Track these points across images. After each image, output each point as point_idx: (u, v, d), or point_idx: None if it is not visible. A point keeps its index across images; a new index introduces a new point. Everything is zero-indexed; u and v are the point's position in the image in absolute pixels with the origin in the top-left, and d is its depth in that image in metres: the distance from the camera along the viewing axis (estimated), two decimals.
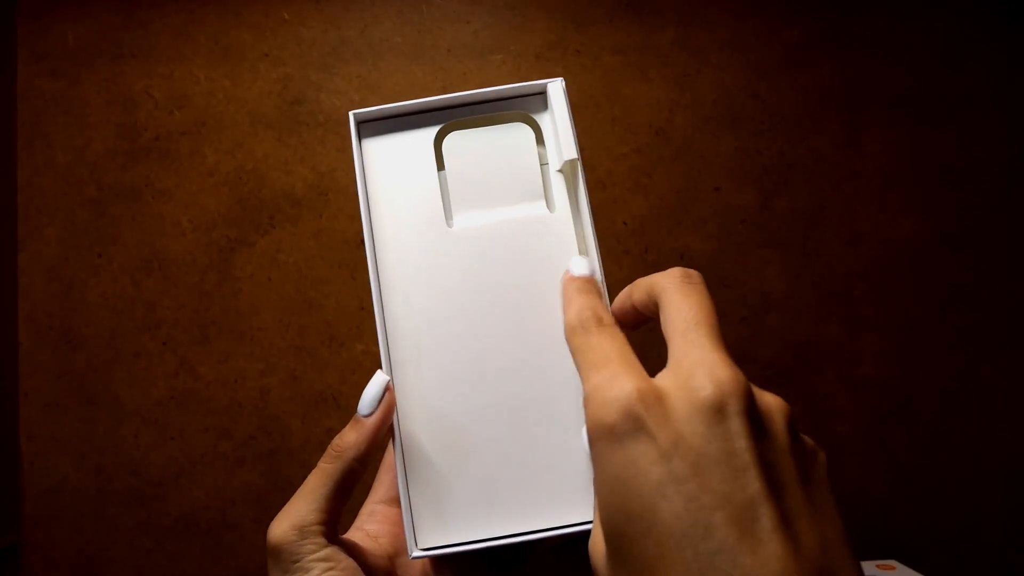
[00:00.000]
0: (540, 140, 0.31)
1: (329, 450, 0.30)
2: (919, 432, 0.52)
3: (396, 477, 0.33)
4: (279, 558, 0.27)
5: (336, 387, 0.52)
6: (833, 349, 0.52)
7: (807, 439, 0.21)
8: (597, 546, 0.22)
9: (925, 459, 0.52)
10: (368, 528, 0.31)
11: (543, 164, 0.31)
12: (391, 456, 0.35)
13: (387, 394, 0.29)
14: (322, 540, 0.27)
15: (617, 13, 0.54)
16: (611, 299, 0.28)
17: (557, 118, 0.31)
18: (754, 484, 0.19)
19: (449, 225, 0.30)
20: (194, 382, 0.52)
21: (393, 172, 0.31)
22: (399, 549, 0.31)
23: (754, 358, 0.53)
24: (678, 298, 0.23)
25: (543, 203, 0.30)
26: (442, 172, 0.30)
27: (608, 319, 0.25)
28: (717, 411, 0.20)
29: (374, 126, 0.32)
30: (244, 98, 0.54)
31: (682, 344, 0.22)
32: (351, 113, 0.30)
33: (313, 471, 0.29)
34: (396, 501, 0.33)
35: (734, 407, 0.20)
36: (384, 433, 0.29)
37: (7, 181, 0.54)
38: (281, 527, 0.28)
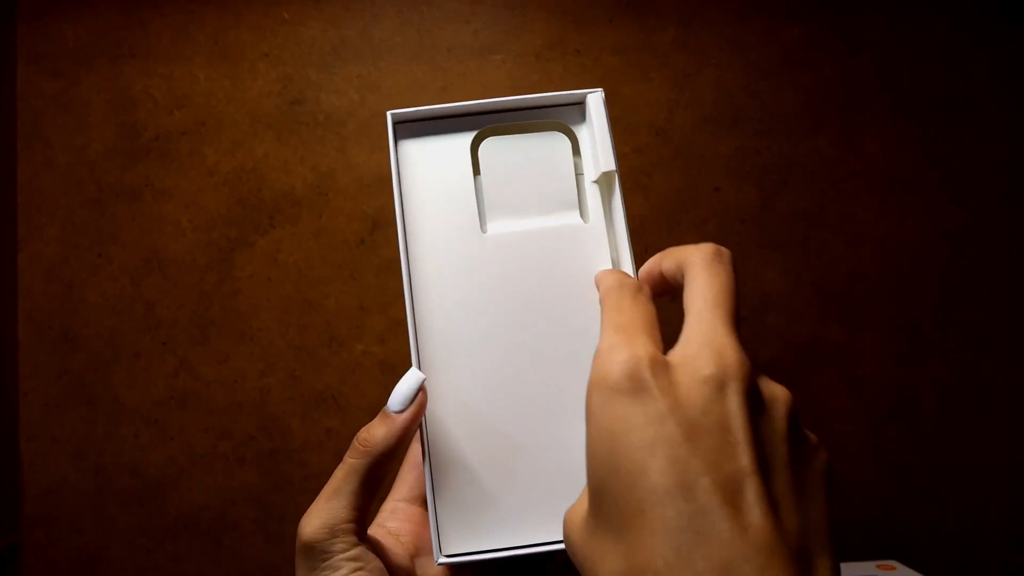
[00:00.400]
0: (576, 150, 0.31)
1: (356, 445, 0.29)
2: (919, 432, 0.52)
3: (420, 475, 0.33)
4: (309, 556, 0.27)
5: (336, 387, 0.52)
6: (833, 349, 0.52)
7: (811, 435, 0.22)
8: (576, 511, 0.22)
9: (925, 459, 0.52)
10: (390, 526, 0.31)
11: (578, 174, 0.31)
12: (414, 453, 0.35)
13: (420, 392, 0.29)
14: (353, 539, 0.27)
15: (617, 13, 0.54)
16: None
17: (596, 129, 0.31)
18: (744, 458, 0.19)
19: (483, 231, 0.30)
20: (194, 382, 0.52)
21: (429, 175, 0.31)
22: (420, 548, 0.31)
23: (754, 358, 0.53)
24: (703, 275, 0.24)
25: (577, 213, 0.30)
26: (478, 178, 0.30)
27: (647, 292, 0.25)
28: (718, 387, 0.20)
29: (410, 128, 0.32)
30: (244, 98, 0.54)
31: (696, 322, 0.22)
32: (389, 113, 0.30)
33: (340, 467, 0.29)
34: (418, 499, 0.33)
35: (735, 386, 0.20)
36: (415, 430, 0.29)
37: (7, 181, 0.54)
38: (312, 525, 0.28)
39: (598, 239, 0.30)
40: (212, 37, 0.55)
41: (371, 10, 0.54)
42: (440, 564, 0.26)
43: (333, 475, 0.29)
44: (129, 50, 0.55)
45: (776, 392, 0.22)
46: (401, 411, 0.29)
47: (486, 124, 0.34)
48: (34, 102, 0.55)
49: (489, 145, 0.31)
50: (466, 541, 0.28)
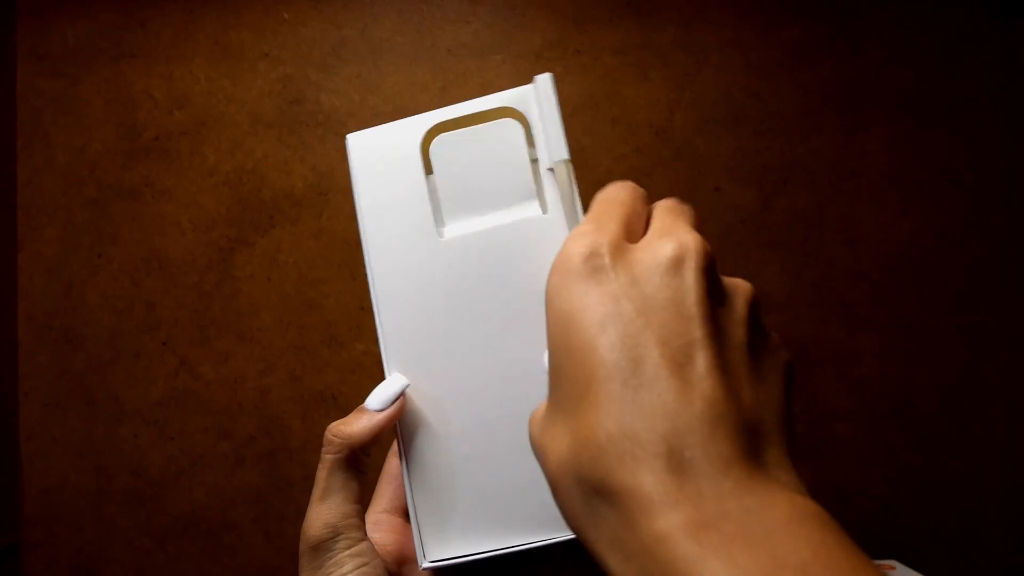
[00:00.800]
0: (531, 139, 0.30)
1: (331, 439, 0.30)
2: (919, 432, 0.52)
3: (399, 487, 0.33)
4: (314, 555, 0.27)
5: (336, 387, 0.52)
6: (833, 349, 0.52)
7: (773, 335, 0.22)
8: (538, 408, 0.22)
9: (925, 459, 0.52)
10: (374, 537, 0.31)
11: (533, 162, 0.30)
12: (392, 466, 0.35)
13: (401, 399, 0.30)
14: (356, 534, 0.28)
15: (617, 13, 0.54)
16: None
17: (545, 114, 0.30)
18: (696, 331, 0.19)
19: (440, 235, 0.29)
20: (194, 382, 0.52)
21: (385, 180, 0.30)
22: (405, 557, 0.31)
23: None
24: (668, 203, 0.24)
25: (536, 204, 0.29)
26: (430, 177, 0.30)
27: (645, 194, 0.25)
28: (675, 264, 0.20)
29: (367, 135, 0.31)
30: (244, 98, 0.54)
31: (657, 225, 0.22)
32: (348, 138, 0.30)
33: (320, 466, 0.30)
34: (399, 510, 0.33)
35: (691, 264, 0.20)
36: (387, 429, 0.30)
37: (7, 181, 0.54)
38: (315, 526, 0.28)
39: (558, 230, 0.30)
40: (212, 37, 0.55)
41: (371, 10, 0.54)
42: (425, 568, 0.27)
43: (316, 477, 0.29)
44: (129, 50, 0.55)
45: (737, 282, 0.21)
46: (381, 410, 0.29)
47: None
48: (34, 102, 0.55)
49: (440, 143, 0.30)
50: (447, 545, 0.28)
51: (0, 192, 0.53)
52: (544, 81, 0.30)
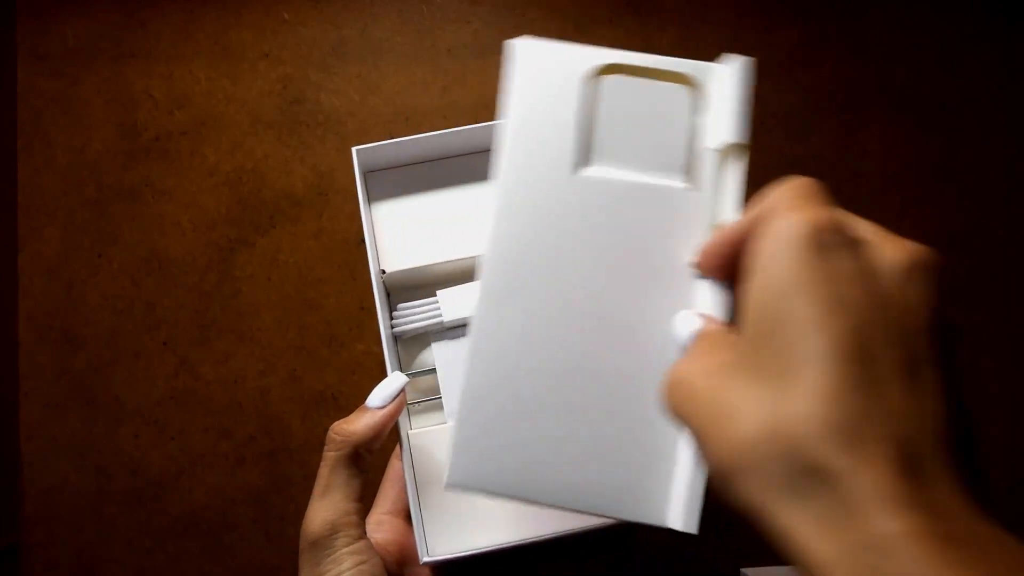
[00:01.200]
0: (698, 113, 0.28)
1: (333, 438, 0.30)
2: None
3: (401, 489, 0.33)
4: (314, 552, 0.28)
5: (336, 387, 0.52)
6: None
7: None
8: (698, 364, 0.21)
9: None
10: (376, 538, 0.31)
11: (695, 138, 0.28)
12: (394, 469, 0.35)
13: (401, 394, 0.30)
14: (355, 532, 0.28)
15: (617, 13, 0.54)
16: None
17: (738, 96, 0.30)
18: (927, 345, 0.19)
19: (577, 172, 0.27)
20: (194, 382, 0.52)
21: (541, 97, 0.28)
22: (407, 558, 0.31)
23: None
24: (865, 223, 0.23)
25: (681, 176, 0.28)
26: (588, 115, 0.28)
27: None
28: (916, 270, 0.20)
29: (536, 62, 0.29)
30: (244, 98, 0.54)
31: (878, 229, 0.22)
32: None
33: (323, 464, 0.30)
34: (402, 512, 0.33)
35: (931, 274, 0.20)
36: (389, 427, 0.30)
37: (7, 181, 0.54)
38: (315, 523, 0.28)
39: (702, 209, 0.28)
40: (212, 37, 0.55)
41: (371, 10, 0.54)
42: (425, 563, 0.27)
43: (319, 474, 0.29)
44: (129, 50, 0.55)
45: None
46: (382, 407, 0.29)
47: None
48: (34, 102, 0.55)
49: (614, 82, 0.28)
50: (450, 542, 0.28)
51: (0, 192, 0.53)
52: (745, 64, 0.30)
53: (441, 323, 0.33)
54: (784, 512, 0.17)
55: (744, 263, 0.21)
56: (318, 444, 0.55)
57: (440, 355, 0.33)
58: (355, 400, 0.53)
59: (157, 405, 0.52)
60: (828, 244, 0.19)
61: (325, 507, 0.28)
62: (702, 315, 0.25)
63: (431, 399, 0.34)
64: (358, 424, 0.29)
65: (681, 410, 0.21)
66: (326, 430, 0.55)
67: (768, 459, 0.17)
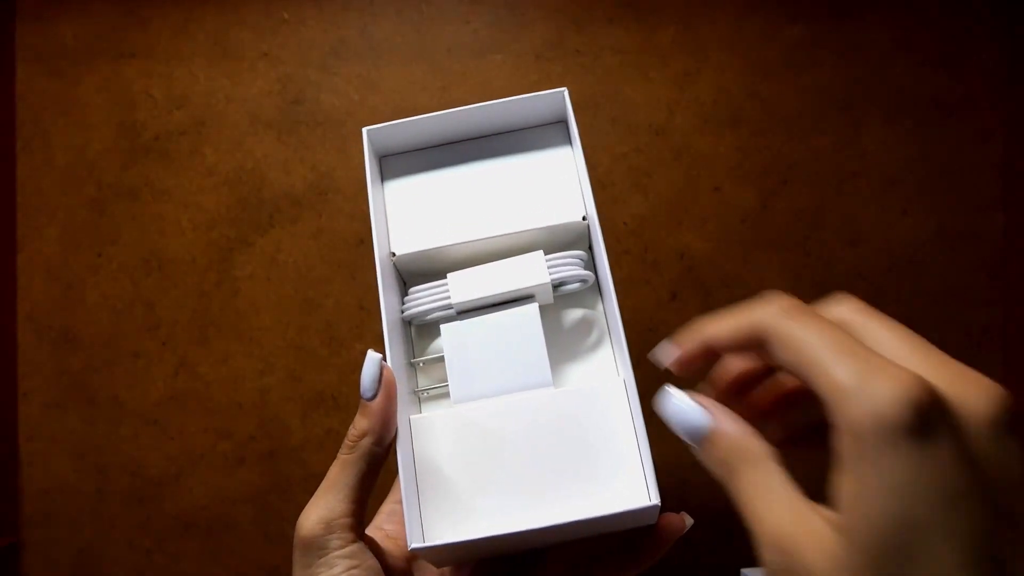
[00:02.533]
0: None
1: (346, 440, 0.30)
2: None
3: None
4: (306, 552, 0.27)
5: (336, 387, 0.52)
6: None
7: None
8: (823, 553, 0.18)
9: None
10: (387, 528, 0.31)
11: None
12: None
13: (384, 372, 0.29)
14: (349, 535, 0.27)
15: (617, 13, 0.54)
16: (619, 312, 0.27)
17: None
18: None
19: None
20: (194, 382, 0.52)
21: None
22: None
23: None
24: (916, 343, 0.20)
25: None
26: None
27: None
28: (1004, 426, 0.18)
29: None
30: (244, 98, 0.54)
31: (940, 364, 0.19)
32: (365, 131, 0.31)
33: (334, 463, 0.29)
34: None
35: (1017, 422, 0.18)
36: (393, 412, 0.29)
37: (6, 181, 0.54)
38: (310, 520, 0.28)
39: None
40: (212, 37, 0.55)
41: (371, 10, 0.54)
42: (413, 550, 0.26)
43: (328, 471, 0.29)
44: (129, 50, 0.55)
45: None
46: (372, 397, 0.29)
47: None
48: (34, 102, 0.55)
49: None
50: (446, 531, 0.28)
51: (0, 192, 0.53)
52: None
53: (451, 306, 0.33)
54: None
55: (834, 445, 0.19)
56: (318, 444, 0.55)
57: (448, 339, 0.32)
58: (355, 400, 0.53)
59: (157, 405, 0.52)
60: (927, 430, 0.17)
61: (322, 506, 0.28)
62: (697, 399, 0.23)
63: (440, 386, 0.33)
64: (360, 423, 0.29)
65: None
66: (326, 430, 0.55)
67: None
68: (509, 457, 0.29)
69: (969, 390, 0.18)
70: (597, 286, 0.35)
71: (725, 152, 0.53)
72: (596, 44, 0.54)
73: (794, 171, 0.53)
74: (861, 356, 0.18)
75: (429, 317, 0.34)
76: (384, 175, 0.37)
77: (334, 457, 0.29)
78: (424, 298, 0.34)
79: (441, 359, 0.33)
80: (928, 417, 0.17)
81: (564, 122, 0.37)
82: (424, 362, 0.34)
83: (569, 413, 0.30)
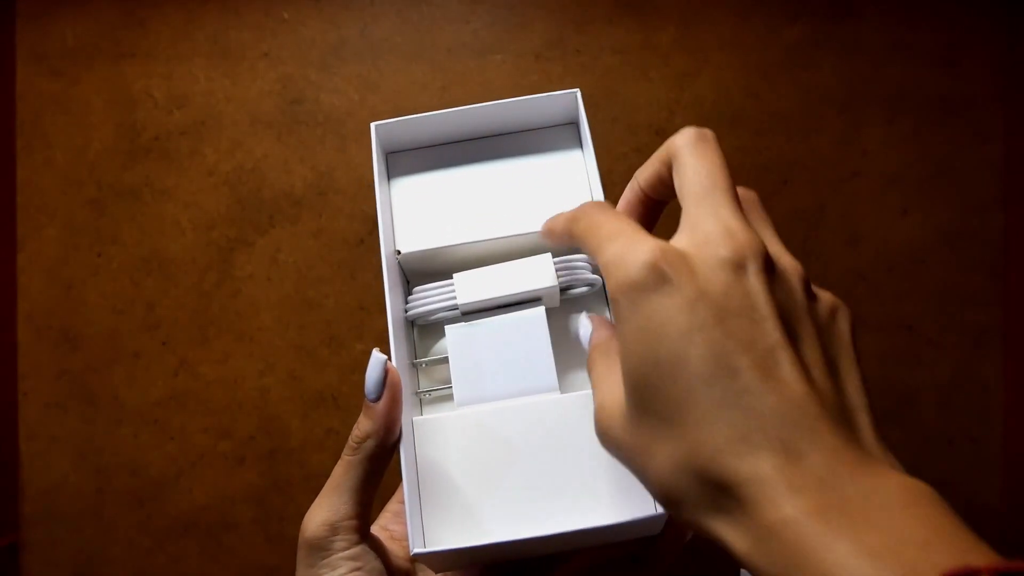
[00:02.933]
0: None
1: (349, 441, 0.30)
2: (919, 432, 0.52)
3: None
4: (310, 552, 0.27)
5: (336, 387, 0.52)
6: None
7: (825, 296, 0.23)
8: (610, 411, 0.23)
9: (925, 459, 0.52)
10: (392, 529, 0.31)
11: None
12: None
13: (389, 373, 0.30)
14: (353, 537, 0.27)
15: (617, 13, 0.54)
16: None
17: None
18: (774, 333, 0.20)
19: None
20: (194, 382, 0.52)
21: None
22: None
23: None
24: (692, 160, 0.24)
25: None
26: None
27: (612, 206, 0.26)
28: (737, 267, 0.21)
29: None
30: (244, 97, 0.54)
31: (697, 210, 0.23)
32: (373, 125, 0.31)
33: (338, 464, 0.29)
34: None
35: (753, 266, 0.21)
36: (398, 413, 0.29)
37: (6, 181, 0.54)
38: (315, 522, 0.28)
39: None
40: (212, 37, 0.55)
41: (370, 10, 0.54)
42: (414, 555, 0.26)
43: (332, 473, 0.29)
44: (129, 50, 0.55)
45: (788, 265, 0.23)
46: (377, 398, 0.29)
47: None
48: (34, 102, 0.55)
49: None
50: (448, 536, 0.28)
51: (0, 192, 0.53)
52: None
53: (456, 307, 0.32)
54: (711, 524, 0.20)
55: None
56: (318, 444, 0.55)
57: (453, 340, 0.32)
58: (355, 400, 0.53)
59: (157, 405, 0.52)
60: (659, 279, 0.21)
61: (326, 507, 0.28)
62: (591, 318, 0.28)
63: (442, 388, 0.33)
64: (364, 424, 0.29)
65: (615, 456, 0.23)
66: (326, 430, 0.55)
67: (688, 486, 0.20)
68: (513, 463, 0.29)
69: (711, 238, 0.21)
70: (604, 290, 0.34)
71: (725, 152, 0.53)
72: (596, 44, 0.54)
73: (794, 171, 0.53)
74: (617, 237, 0.22)
75: (433, 317, 0.33)
76: (391, 172, 0.37)
77: (334, 457, 0.29)
78: (429, 298, 0.33)
79: (444, 361, 0.33)
80: (658, 274, 0.21)
81: (575, 123, 0.37)
82: (427, 363, 0.34)
83: (575, 419, 0.29)
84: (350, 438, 0.29)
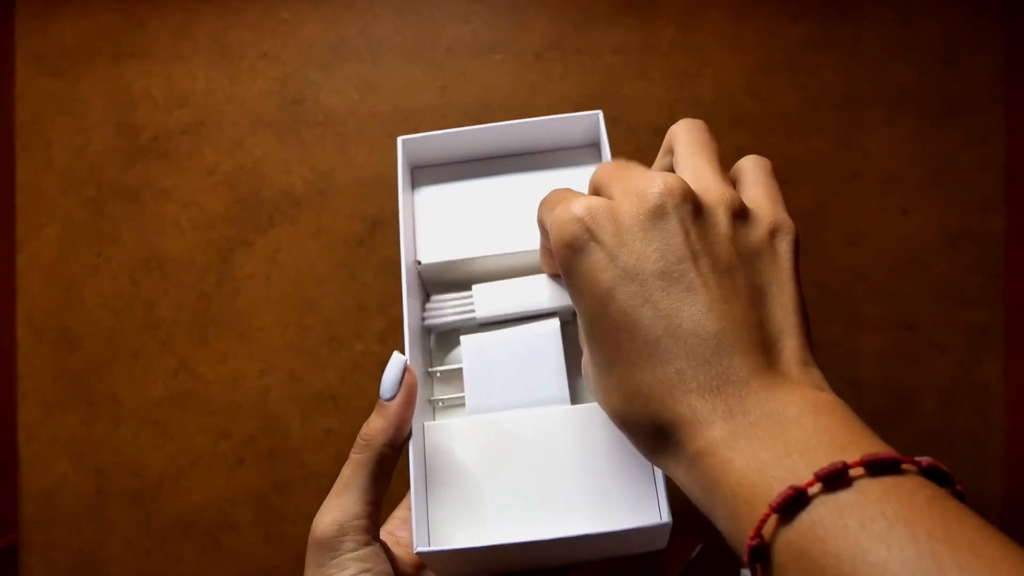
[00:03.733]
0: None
1: (358, 440, 0.30)
2: (919, 432, 0.52)
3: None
4: (319, 552, 0.27)
5: (336, 387, 0.52)
6: (833, 349, 0.52)
7: (763, 219, 0.24)
8: (585, 358, 0.25)
9: None
10: (399, 535, 0.31)
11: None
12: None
13: (407, 375, 0.29)
14: (362, 537, 0.27)
15: (617, 13, 0.54)
16: None
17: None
18: (689, 275, 0.21)
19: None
20: (194, 382, 0.52)
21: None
22: None
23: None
24: (684, 134, 0.27)
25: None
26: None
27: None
28: (656, 213, 0.22)
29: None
30: (243, 97, 0.54)
31: (681, 167, 0.24)
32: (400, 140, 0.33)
33: (347, 464, 0.29)
34: None
35: (671, 205, 0.22)
36: (410, 415, 0.29)
37: (6, 181, 0.54)
38: (324, 522, 0.28)
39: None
40: (211, 36, 0.54)
41: (370, 9, 0.54)
42: (418, 553, 0.26)
43: (341, 473, 0.29)
44: (128, 49, 0.55)
45: (713, 197, 0.23)
46: (391, 398, 0.29)
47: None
48: (33, 102, 0.55)
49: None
50: (453, 537, 0.28)
51: (0, 192, 0.53)
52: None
53: (474, 319, 0.33)
54: (658, 459, 0.22)
55: None
56: (318, 444, 0.55)
57: (467, 350, 0.32)
58: (354, 400, 0.53)
59: (156, 405, 0.52)
60: (585, 243, 0.22)
61: (336, 507, 0.28)
62: None
63: (455, 396, 0.33)
64: (375, 422, 0.29)
65: (595, 399, 0.25)
66: (326, 430, 0.55)
67: (634, 429, 0.22)
68: (522, 469, 0.29)
69: (643, 190, 0.22)
70: None
71: (725, 152, 0.53)
72: (596, 44, 0.54)
73: (794, 171, 0.53)
74: (565, 198, 0.24)
75: (449, 328, 0.34)
76: (414, 183, 0.38)
77: (334, 457, 0.29)
78: (448, 308, 0.33)
79: (458, 370, 0.33)
80: (588, 231, 0.22)
81: (596, 145, 0.38)
82: (441, 372, 0.34)
83: (584, 429, 0.29)
84: (358, 436, 0.29)
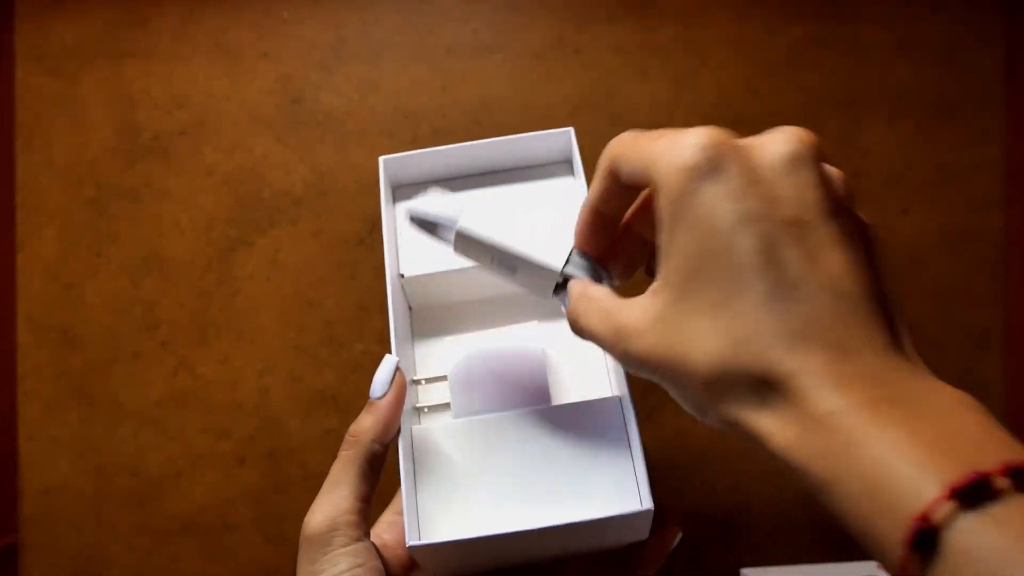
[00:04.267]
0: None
1: (347, 437, 0.30)
2: None
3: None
4: (311, 548, 0.27)
5: (336, 387, 0.52)
6: None
7: (861, 215, 0.23)
8: (636, 322, 0.22)
9: None
10: (385, 538, 0.31)
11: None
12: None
13: (397, 375, 0.30)
14: (353, 533, 0.28)
15: (617, 12, 0.54)
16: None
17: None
18: (824, 229, 0.20)
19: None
20: (194, 382, 0.52)
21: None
22: (415, 562, 0.31)
23: None
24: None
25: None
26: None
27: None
28: (793, 160, 0.21)
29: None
30: (243, 97, 0.54)
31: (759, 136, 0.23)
32: (381, 160, 0.32)
33: (335, 461, 0.30)
34: None
35: (808, 156, 0.21)
36: (398, 414, 0.30)
37: (5, 181, 0.54)
38: (315, 518, 0.28)
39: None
40: (211, 36, 0.55)
41: (370, 9, 0.54)
42: (410, 547, 0.27)
43: (331, 470, 0.29)
44: (128, 50, 0.55)
45: (834, 170, 0.22)
46: (382, 396, 0.29)
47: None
48: (33, 102, 0.55)
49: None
50: (442, 531, 0.29)
51: (0, 192, 0.53)
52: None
53: (455, 221, 0.29)
54: (752, 417, 0.19)
55: (654, 216, 0.23)
56: (318, 444, 0.55)
57: (453, 364, 0.34)
58: (354, 400, 0.53)
59: (157, 405, 0.52)
60: (713, 166, 0.20)
61: (327, 504, 0.28)
62: (579, 281, 0.27)
63: (440, 404, 0.34)
64: (364, 422, 0.29)
65: (647, 364, 0.22)
66: (326, 430, 0.55)
67: (730, 381, 0.20)
68: (507, 465, 0.30)
69: (771, 139, 0.21)
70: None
71: None
72: (596, 44, 0.54)
73: None
74: (669, 134, 0.23)
75: (429, 218, 0.30)
76: (396, 197, 0.39)
77: (334, 457, 0.29)
78: (437, 204, 0.30)
79: (443, 379, 0.34)
80: (714, 161, 0.20)
81: (569, 161, 0.39)
82: (426, 381, 0.35)
83: (566, 425, 0.31)
84: (347, 433, 0.29)
